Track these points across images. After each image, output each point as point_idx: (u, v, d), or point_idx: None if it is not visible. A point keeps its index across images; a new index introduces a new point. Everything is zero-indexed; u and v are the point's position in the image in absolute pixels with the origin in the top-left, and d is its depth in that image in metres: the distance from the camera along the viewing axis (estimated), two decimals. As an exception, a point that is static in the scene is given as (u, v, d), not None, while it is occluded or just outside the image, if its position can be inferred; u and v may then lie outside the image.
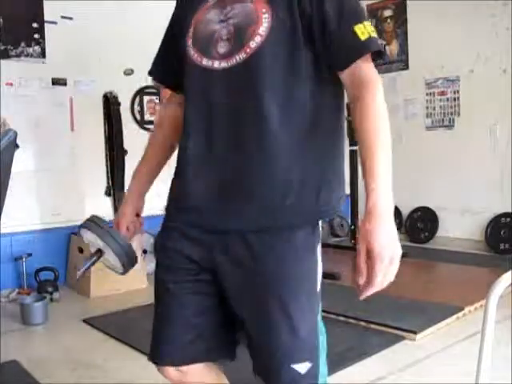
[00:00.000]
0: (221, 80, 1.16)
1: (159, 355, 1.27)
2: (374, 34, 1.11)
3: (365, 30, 1.08)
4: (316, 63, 1.14)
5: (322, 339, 1.24)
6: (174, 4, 1.38)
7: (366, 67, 1.11)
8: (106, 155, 4.27)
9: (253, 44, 1.12)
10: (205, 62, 1.17)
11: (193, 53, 1.20)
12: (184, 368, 1.27)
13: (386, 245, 1.01)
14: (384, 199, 1.03)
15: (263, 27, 1.12)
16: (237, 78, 1.15)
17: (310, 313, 1.18)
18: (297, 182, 1.14)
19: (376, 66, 1.14)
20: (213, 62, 1.16)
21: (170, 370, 1.28)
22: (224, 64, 1.15)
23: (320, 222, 1.21)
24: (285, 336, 1.14)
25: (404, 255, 4.07)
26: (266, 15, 1.12)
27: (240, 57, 1.13)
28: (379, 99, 1.11)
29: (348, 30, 1.09)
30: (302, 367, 1.14)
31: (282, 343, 1.14)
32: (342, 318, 3.00)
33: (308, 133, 1.15)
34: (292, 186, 1.14)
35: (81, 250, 3.84)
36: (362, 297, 1.04)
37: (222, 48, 1.16)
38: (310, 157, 1.16)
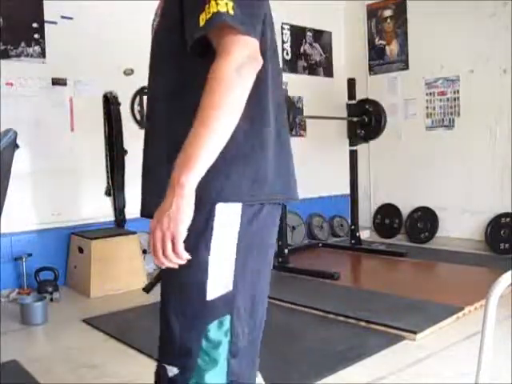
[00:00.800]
0: None
1: None
2: (217, 10, 1.01)
3: (205, 15, 1.02)
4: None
5: (219, 352, 1.10)
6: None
7: (220, 41, 1.03)
8: (106, 155, 4.27)
9: (154, 33, 1.23)
10: None
11: None
12: None
13: (154, 221, 1.00)
14: (177, 180, 0.97)
15: (158, 16, 1.21)
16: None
17: (186, 316, 1.10)
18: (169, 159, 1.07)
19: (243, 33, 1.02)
20: None
21: None
22: None
23: (219, 211, 1.07)
24: (161, 331, 1.14)
25: (404, 255, 4.08)
26: (162, 3, 1.20)
27: None
28: (219, 72, 1.00)
29: (194, 18, 1.04)
30: (171, 370, 1.11)
31: (159, 337, 1.15)
32: (341, 318, 3.00)
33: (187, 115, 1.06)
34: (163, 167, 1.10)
35: (81, 250, 3.84)
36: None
37: None
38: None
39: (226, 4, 1.01)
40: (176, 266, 1.01)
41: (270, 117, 1.14)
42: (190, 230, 1.00)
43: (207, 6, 1.01)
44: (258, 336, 1.19)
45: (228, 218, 1.08)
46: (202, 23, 1.02)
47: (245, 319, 1.12)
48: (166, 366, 1.11)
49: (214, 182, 1.04)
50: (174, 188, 0.98)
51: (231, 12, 1.01)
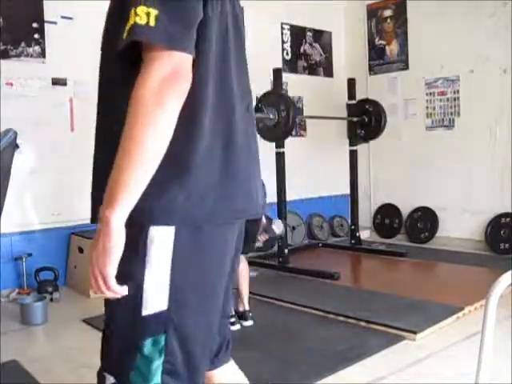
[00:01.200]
0: None
1: None
2: (134, 22, 0.92)
3: (127, 27, 0.94)
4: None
5: (153, 369, 1.07)
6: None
7: (144, 55, 0.95)
8: (106, 155, 4.27)
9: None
10: None
11: None
12: None
13: (90, 257, 0.99)
14: (104, 217, 0.95)
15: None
16: None
17: (119, 332, 1.09)
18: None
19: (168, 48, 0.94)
20: None
21: None
22: None
23: (153, 231, 1.03)
24: (102, 339, 1.14)
25: (404, 255, 4.10)
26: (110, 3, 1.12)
27: None
28: (140, 92, 0.92)
29: (122, 26, 0.96)
30: (109, 378, 1.09)
31: (101, 344, 1.14)
32: (341, 318, 3.01)
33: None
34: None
35: (81, 250, 3.84)
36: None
37: None
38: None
39: (148, 14, 0.91)
40: (118, 296, 1.01)
41: (206, 131, 1.04)
42: (123, 252, 0.98)
43: (129, 15, 0.93)
44: (203, 355, 1.14)
45: (161, 241, 1.04)
46: (124, 34, 0.94)
47: (183, 339, 1.08)
48: (105, 373, 1.10)
49: (144, 205, 0.98)
50: (102, 225, 0.95)
51: (152, 24, 0.91)
